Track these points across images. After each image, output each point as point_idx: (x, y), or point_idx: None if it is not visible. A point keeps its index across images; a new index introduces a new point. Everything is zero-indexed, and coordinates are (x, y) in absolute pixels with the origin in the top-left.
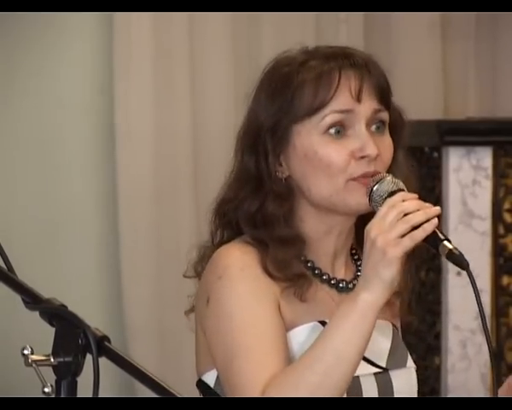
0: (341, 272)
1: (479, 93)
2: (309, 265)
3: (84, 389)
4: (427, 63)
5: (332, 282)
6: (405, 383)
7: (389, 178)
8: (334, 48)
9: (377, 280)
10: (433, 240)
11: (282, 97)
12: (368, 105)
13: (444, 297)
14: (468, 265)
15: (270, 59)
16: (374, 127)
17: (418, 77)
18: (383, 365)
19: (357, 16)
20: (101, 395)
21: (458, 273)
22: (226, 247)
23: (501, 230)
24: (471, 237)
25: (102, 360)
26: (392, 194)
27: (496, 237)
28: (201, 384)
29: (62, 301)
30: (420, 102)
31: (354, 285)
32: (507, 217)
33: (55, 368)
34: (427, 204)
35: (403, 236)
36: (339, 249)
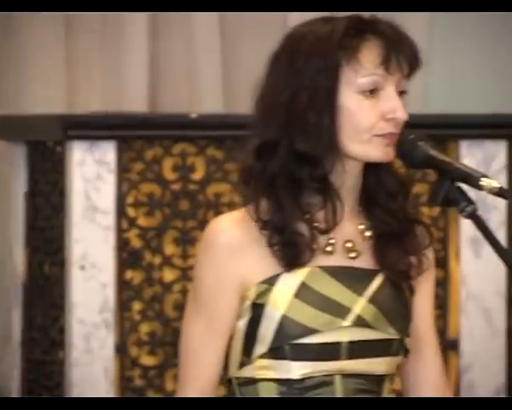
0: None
1: (104, 87)
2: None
3: None
4: (50, 58)
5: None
6: None
7: None
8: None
9: None
10: None
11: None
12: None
13: (67, 291)
14: None
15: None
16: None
17: (42, 72)
18: None
19: None
20: None
21: (82, 267)
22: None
23: (124, 224)
24: (95, 232)
25: None
26: None
27: (119, 231)
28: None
29: None
30: (44, 96)
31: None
32: (130, 211)
33: None
34: None
35: None
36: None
